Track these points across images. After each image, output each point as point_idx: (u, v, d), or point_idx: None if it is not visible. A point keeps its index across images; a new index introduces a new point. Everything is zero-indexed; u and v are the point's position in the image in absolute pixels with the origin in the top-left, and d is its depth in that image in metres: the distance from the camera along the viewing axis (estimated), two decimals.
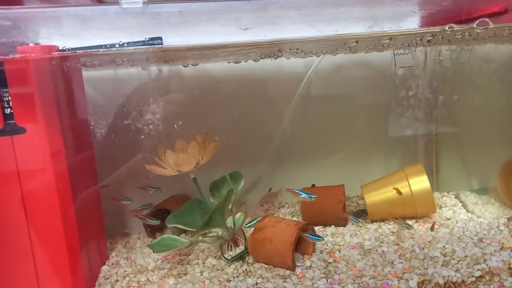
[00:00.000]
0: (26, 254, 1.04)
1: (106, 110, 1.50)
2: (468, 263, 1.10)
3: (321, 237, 1.22)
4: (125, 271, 1.23)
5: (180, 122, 1.49)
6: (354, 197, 1.64)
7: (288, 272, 1.17)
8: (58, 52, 1.07)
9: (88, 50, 1.06)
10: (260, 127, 1.63)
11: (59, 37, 1.08)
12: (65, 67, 1.19)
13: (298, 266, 1.18)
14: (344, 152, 1.68)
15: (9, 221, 1.03)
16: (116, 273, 1.23)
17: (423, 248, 1.19)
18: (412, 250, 1.19)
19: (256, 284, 1.13)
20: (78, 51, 1.07)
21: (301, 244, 1.25)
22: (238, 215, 1.32)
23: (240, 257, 1.26)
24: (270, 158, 1.65)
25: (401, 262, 1.14)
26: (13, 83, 1.01)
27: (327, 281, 1.10)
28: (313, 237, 1.20)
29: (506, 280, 1.08)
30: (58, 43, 1.09)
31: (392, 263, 1.15)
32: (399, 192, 1.34)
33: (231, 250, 1.29)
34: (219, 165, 1.40)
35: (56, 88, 1.11)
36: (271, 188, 1.59)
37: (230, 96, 1.59)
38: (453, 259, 1.13)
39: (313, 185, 1.57)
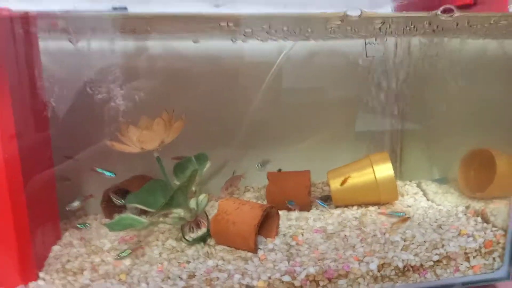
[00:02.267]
0: None
1: (65, 85, 1.41)
2: (427, 248, 1.12)
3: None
4: (77, 251, 1.17)
5: (144, 101, 1.44)
6: (319, 183, 1.64)
7: (250, 254, 1.15)
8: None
9: (44, 11, 0.98)
10: (229, 110, 1.59)
11: None
12: (18, 32, 1.09)
13: (261, 249, 1.16)
14: (313, 139, 1.68)
15: None
16: (68, 253, 1.16)
17: (384, 233, 1.21)
18: (374, 235, 1.20)
19: (217, 266, 1.10)
20: (30, 13, 0.98)
21: (264, 228, 1.23)
22: (201, 196, 1.28)
23: (202, 239, 1.22)
24: (238, 143, 1.62)
25: (363, 246, 1.15)
26: None
27: (288, 263, 1.08)
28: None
29: (461, 264, 1.11)
30: (10, 5, 1.01)
31: (354, 247, 1.15)
32: (344, 182, 1.37)
33: (193, 232, 1.25)
34: (184, 146, 1.35)
35: (7, 54, 1.02)
36: (234, 171, 1.57)
37: (199, 76, 1.53)
38: (413, 243, 1.15)
39: (280, 170, 1.56)
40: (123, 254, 1.10)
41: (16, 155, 1.00)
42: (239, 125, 1.62)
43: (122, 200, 1.26)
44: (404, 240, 1.16)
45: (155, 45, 1.49)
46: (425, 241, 1.15)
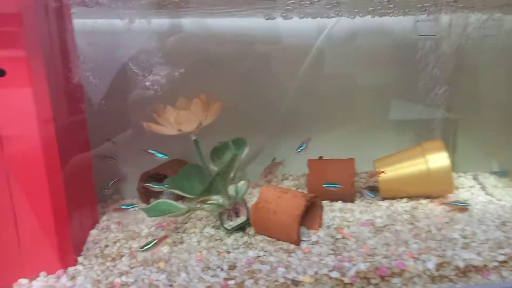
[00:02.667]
0: (8, 216, 0.93)
1: (99, 66, 1.37)
2: (490, 247, 1.01)
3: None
4: (116, 236, 1.14)
5: (180, 82, 1.38)
6: (362, 173, 1.54)
7: (292, 246, 1.08)
8: None
9: None
10: (267, 93, 1.51)
11: None
12: (52, 6, 1.05)
13: (304, 241, 1.09)
14: (353, 126, 1.57)
15: None
16: (106, 238, 1.13)
17: (440, 229, 1.10)
18: (428, 231, 1.10)
19: (258, 257, 1.04)
20: None
21: (306, 218, 1.15)
22: (241, 183, 1.21)
23: (241, 228, 1.17)
24: (274, 128, 1.54)
25: (416, 242, 1.05)
26: None
27: (335, 257, 1.01)
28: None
29: None
30: None
31: (407, 242, 1.06)
32: (376, 175, 1.27)
33: (231, 220, 1.19)
34: (219, 130, 1.28)
35: (42, 28, 0.98)
36: (274, 158, 1.49)
37: (236, 57, 1.46)
38: (474, 241, 1.04)
39: (321, 157, 1.47)
40: (148, 246, 1.02)
41: (53, 137, 0.96)
42: (277, 109, 1.54)
43: (159, 185, 1.21)
44: (464, 238, 1.06)
45: (191, 23, 1.42)
46: (487, 239, 1.04)
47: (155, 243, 1.01)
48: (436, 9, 1.31)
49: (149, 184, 1.18)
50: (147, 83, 1.35)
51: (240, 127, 1.45)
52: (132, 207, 1.03)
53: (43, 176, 0.93)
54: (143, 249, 1.00)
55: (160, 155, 1.15)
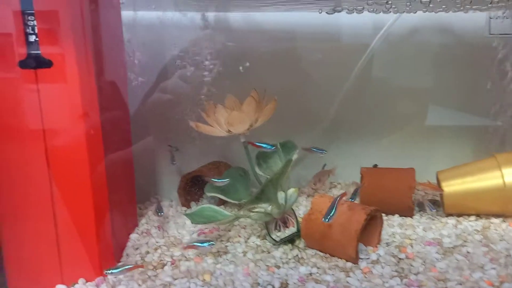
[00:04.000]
0: (47, 217, 0.87)
1: (144, 59, 1.30)
2: None
3: (212, 242, 0.97)
4: (156, 242, 1.06)
5: (227, 79, 1.29)
6: (418, 184, 1.40)
7: (349, 264, 0.97)
8: None
9: None
10: (316, 95, 1.40)
11: None
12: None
13: (362, 259, 0.98)
14: (407, 133, 1.44)
15: (28, 174, 0.86)
16: (147, 243, 1.06)
17: None
18: (508, 255, 0.97)
19: (311, 274, 0.94)
20: None
21: (364, 233, 1.04)
22: (291, 191, 1.11)
23: (289, 240, 1.07)
24: (323, 130, 1.43)
25: (494, 268, 0.92)
26: (40, 4, 0.81)
27: (401, 280, 0.89)
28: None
29: None
30: None
31: (482, 267, 0.93)
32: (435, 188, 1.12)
33: (279, 231, 1.09)
34: (265, 132, 1.19)
35: (90, 19, 0.91)
36: (325, 165, 1.38)
37: (285, 54, 1.35)
38: None
39: (375, 166, 1.35)
40: (115, 271, 0.88)
41: (98, 133, 0.90)
42: (326, 112, 1.43)
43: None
44: None
45: (238, 18, 1.33)
46: None
47: (125, 269, 0.88)
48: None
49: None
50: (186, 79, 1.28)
51: (285, 128, 1.36)
52: (209, 245, 0.95)
53: (86, 174, 0.86)
54: (109, 271, 0.87)
55: (266, 146, 1.06)
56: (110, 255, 0.94)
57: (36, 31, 0.82)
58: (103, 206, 0.91)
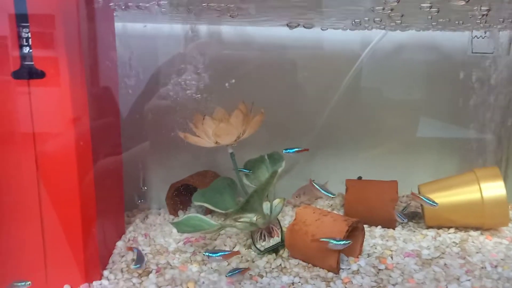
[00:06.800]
0: (34, 222, 0.89)
1: (136, 69, 1.33)
2: None
3: (348, 241, 0.97)
4: (142, 250, 1.08)
5: (214, 91, 1.32)
6: (402, 196, 1.44)
7: (330, 274, 0.99)
8: None
9: None
10: (304, 106, 1.44)
11: None
12: (95, 8, 1.01)
13: (343, 269, 1.00)
14: (393, 146, 1.48)
15: (17, 179, 0.88)
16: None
17: (496, 266, 1.00)
18: (482, 267, 1.00)
19: (293, 283, 0.96)
20: None
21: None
22: (276, 201, 1.14)
23: (274, 250, 1.09)
24: (310, 142, 1.46)
25: (469, 280, 0.95)
26: (34, 18, 0.84)
27: None
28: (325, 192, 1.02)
29: None
30: None
31: (458, 279, 0.96)
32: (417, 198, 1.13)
33: (264, 241, 1.12)
34: (252, 142, 1.22)
35: (84, 32, 0.94)
36: (313, 180, 1.41)
37: (274, 66, 1.39)
38: None
39: (360, 178, 1.39)
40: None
41: (87, 138, 0.91)
42: (312, 123, 1.46)
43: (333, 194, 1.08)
44: None
45: (228, 30, 1.37)
46: None
47: (223, 255, 0.95)
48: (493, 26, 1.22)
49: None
50: (176, 89, 1.31)
51: (272, 140, 1.39)
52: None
53: (75, 179, 0.88)
54: (207, 254, 0.94)
55: (329, 194, 1.08)
56: (96, 262, 0.95)
57: (30, 43, 0.85)
58: (90, 212, 0.93)
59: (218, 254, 0.94)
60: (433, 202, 1.08)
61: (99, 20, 1.05)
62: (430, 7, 0.98)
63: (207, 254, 0.93)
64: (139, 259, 0.95)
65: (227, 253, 0.95)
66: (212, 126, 1.03)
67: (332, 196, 1.06)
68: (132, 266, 0.97)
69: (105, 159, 1.06)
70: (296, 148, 1.12)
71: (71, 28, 0.88)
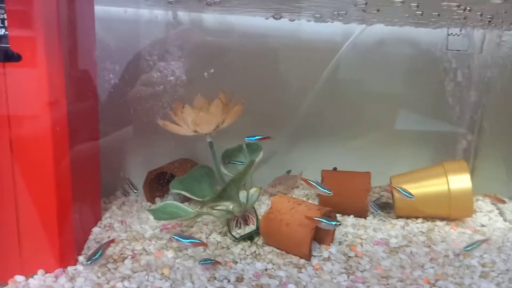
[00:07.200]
0: (9, 206, 0.88)
1: (116, 55, 1.32)
2: (510, 278, 0.97)
3: (339, 222, 1.03)
4: (118, 236, 1.09)
5: (193, 79, 1.32)
6: (376, 187, 1.49)
7: (302, 261, 1.03)
8: None
9: None
10: (283, 96, 1.46)
11: None
12: None
13: (314, 256, 1.04)
14: (370, 138, 1.52)
15: None
16: (109, 237, 1.08)
17: (458, 255, 1.06)
18: (446, 255, 1.06)
19: (266, 270, 0.99)
20: None
21: (319, 232, 1.10)
22: (252, 190, 1.16)
23: (249, 237, 1.12)
24: (289, 133, 1.49)
25: (433, 267, 1.01)
26: None
27: (348, 277, 0.96)
28: (330, 222, 1.02)
29: None
30: None
31: (423, 266, 1.01)
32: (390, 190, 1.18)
33: (240, 228, 1.14)
34: (232, 131, 1.23)
35: (63, 14, 0.93)
36: (290, 171, 1.44)
37: (254, 56, 1.40)
38: (493, 271, 0.99)
39: (335, 169, 1.42)
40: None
41: (64, 122, 0.91)
42: (291, 114, 1.49)
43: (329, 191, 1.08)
44: (483, 266, 1.01)
45: (209, 18, 1.37)
46: (507, 270, 1.00)
47: (192, 242, 0.97)
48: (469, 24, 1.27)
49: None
50: (157, 76, 1.30)
51: (252, 129, 1.41)
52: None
53: (50, 163, 0.88)
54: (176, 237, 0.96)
55: (325, 190, 1.08)
56: (71, 247, 0.95)
57: (6, 24, 0.84)
58: (66, 198, 0.93)
59: (188, 240, 0.96)
60: (410, 194, 1.12)
61: (78, 2, 1.03)
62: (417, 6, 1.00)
63: (176, 237, 0.96)
64: (94, 255, 0.92)
65: (196, 241, 0.97)
66: (192, 114, 1.04)
67: (329, 194, 1.08)
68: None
69: (82, 144, 1.06)
70: (258, 136, 1.13)
71: (49, 8, 0.86)
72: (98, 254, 0.92)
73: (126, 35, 1.30)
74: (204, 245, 1.03)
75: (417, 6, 1.03)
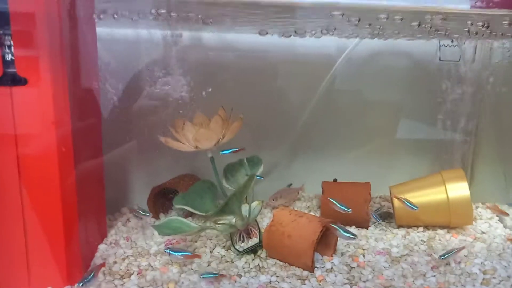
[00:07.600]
0: (17, 224, 0.90)
1: (117, 75, 1.36)
2: None
3: (355, 235, 1.05)
4: (124, 253, 1.11)
5: (193, 96, 1.36)
6: (376, 197, 1.51)
7: (306, 272, 1.04)
8: None
9: None
10: (283, 110, 1.49)
11: None
12: (78, 15, 1.04)
13: (317, 268, 1.06)
14: (368, 148, 1.55)
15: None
16: (115, 253, 1.10)
17: (459, 263, 1.07)
18: (447, 263, 1.07)
19: (270, 282, 1.01)
20: None
21: (321, 244, 1.12)
22: (254, 204, 1.18)
23: (252, 250, 1.13)
24: (289, 146, 1.52)
25: (435, 276, 1.02)
26: (17, 25, 0.86)
27: (351, 287, 0.98)
28: (345, 233, 1.05)
29: None
30: None
31: (424, 275, 1.02)
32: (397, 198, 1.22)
33: (243, 242, 1.16)
34: (232, 146, 1.26)
35: (67, 38, 0.97)
36: (291, 184, 1.46)
37: (254, 72, 1.44)
38: (494, 278, 1.01)
39: (335, 180, 1.44)
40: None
41: (69, 141, 0.94)
42: (291, 128, 1.52)
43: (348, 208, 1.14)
44: (484, 273, 1.02)
45: (209, 37, 1.41)
46: (508, 277, 1.01)
47: (184, 255, 1.00)
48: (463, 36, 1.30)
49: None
50: (159, 91, 1.34)
51: (253, 144, 1.44)
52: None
53: (56, 181, 0.90)
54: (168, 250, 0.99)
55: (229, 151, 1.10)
56: (78, 264, 0.97)
57: (13, 50, 0.87)
58: (72, 215, 0.95)
59: (180, 253, 0.98)
60: (413, 205, 1.16)
61: (81, 24, 1.07)
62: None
63: (168, 251, 0.98)
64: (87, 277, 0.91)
65: (188, 254, 1.00)
66: (192, 131, 1.07)
67: (348, 211, 1.12)
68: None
69: (87, 162, 1.08)
70: (232, 149, 1.16)
71: (53, 32, 0.90)
72: (90, 276, 0.91)
73: (127, 55, 1.34)
74: (197, 256, 1.05)
75: (401, 19, 1.06)
